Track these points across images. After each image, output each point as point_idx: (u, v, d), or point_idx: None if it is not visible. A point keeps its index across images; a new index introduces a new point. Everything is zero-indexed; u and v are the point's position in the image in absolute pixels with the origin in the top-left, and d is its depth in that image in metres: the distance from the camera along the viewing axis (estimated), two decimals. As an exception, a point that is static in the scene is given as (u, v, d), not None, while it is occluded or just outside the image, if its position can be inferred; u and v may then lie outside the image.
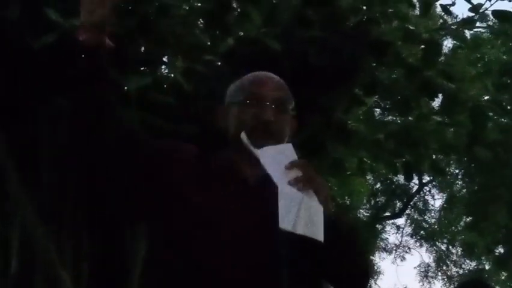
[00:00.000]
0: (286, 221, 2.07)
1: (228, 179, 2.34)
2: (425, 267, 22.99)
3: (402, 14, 7.22)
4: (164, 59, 6.87)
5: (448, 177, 16.83)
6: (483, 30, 12.22)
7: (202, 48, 6.41)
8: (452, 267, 22.55)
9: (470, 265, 22.17)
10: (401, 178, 17.05)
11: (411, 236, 21.69)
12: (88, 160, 2.39)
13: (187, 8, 6.62)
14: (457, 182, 18.19)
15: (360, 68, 6.83)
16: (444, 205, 19.76)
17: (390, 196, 18.98)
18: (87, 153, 2.37)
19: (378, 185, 18.93)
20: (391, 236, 22.63)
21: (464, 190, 17.45)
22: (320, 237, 2.09)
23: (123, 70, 5.65)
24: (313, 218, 2.10)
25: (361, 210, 19.25)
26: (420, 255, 27.88)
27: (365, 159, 9.58)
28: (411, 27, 7.33)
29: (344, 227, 2.28)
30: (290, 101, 2.44)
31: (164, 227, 2.30)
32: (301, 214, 2.08)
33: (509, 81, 9.18)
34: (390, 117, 11.34)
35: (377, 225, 20.25)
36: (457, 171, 17.18)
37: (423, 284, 23.06)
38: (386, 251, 22.26)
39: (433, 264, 22.78)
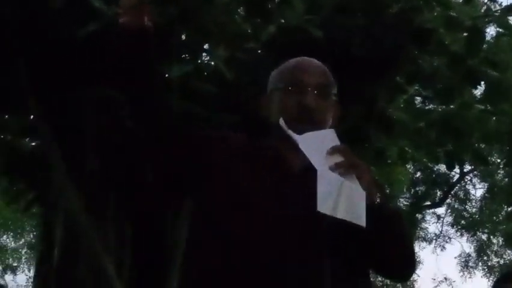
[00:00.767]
0: (325, 204, 2.06)
1: (271, 164, 2.32)
2: (465, 257, 22.83)
3: (445, 1, 7.13)
4: (206, 47, 6.88)
5: (490, 166, 16.64)
6: (527, 18, 12.03)
7: (243, 36, 6.41)
8: (493, 257, 22.35)
9: (511, 255, 21.97)
10: (441, 167, 16.94)
11: (452, 226, 21.54)
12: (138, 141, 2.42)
13: (229, -4, 6.62)
14: (499, 171, 18.00)
15: (402, 57, 6.77)
16: (486, 195, 19.57)
17: (431, 185, 18.81)
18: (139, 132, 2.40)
19: (418, 174, 18.81)
20: (431, 226, 22.56)
21: (506, 180, 17.27)
22: (362, 222, 2.07)
23: (165, 59, 5.67)
24: (354, 203, 2.08)
25: (401, 199, 19.15)
26: (461, 245, 27.72)
27: (406, 148, 9.52)
28: (454, 15, 7.24)
29: (389, 213, 2.25)
30: (332, 86, 2.42)
31: (206, 208, 2.30)
32: (341, 199, 2.07)
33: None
34: (431, 106, 11.24)
35: (417, 215, 20.10)
36: (498, 160, 16.99)
37: (464, 274, 22.93)
38: (426, 241, 22.14)
39: (474, 254, 22.61)
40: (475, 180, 20.09)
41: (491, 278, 21.79)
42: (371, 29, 6.30)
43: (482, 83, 7.83)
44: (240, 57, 6.01)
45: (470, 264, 22.87)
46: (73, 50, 5.94)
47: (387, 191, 16.77)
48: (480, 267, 22.75)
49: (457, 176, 19.34)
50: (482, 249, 22.31)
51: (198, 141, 2.39)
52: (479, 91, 9.46)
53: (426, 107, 11.33)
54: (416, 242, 21.52)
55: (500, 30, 9.32)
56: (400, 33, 6.50)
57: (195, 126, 2.44)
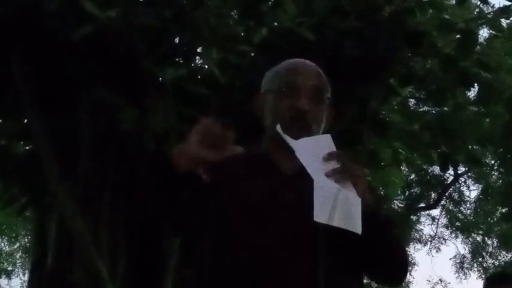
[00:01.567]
0: (321, 214, 2.05)
1: (265, 171, 2.33)
2: (460, 259, 22.83)
3: (437, 4, 7.16)
4: (199, 50, 6.89)
5: (484, 168, 16.67)
6: (520, 19, 12.07)
7: (236, 39, 6.41)
8: (488, 258, 22.35)
9: (506, 257, 21.97)
10: (435, 169, 16.96)
11: (447, 227, 21.56)
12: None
13: (222, -1, 6.63)
14: (493, 172, 18.03)
15: (395, 59, 6.79)
16: (480, 196, 19.59)
17: (425, 187, 18.84)
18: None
19: (413, 176, 18.82)
20: (426, 227, 22.51)
21: (500, 181, 17.29)
22: (358, 229, 2.06)
23: (159, 61, 5.68)
24: (350, 210, 2.07)
25: (396, 201, 19.16)
26: (456, 246, 27.71)
27: (400, 150, 9.54)
28: (447, 17, 7.27)
29: (382, 219, 2.24)
30: (326, 89, 2.40)
31: (208, 222, 2.29)
32: (337, 206, 2.06)
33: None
34: (425, 108, 11.26)
35: (412, 216, 20.12)
36: (492, 161, 17.02)
37: (459, 276, 22.94)
38: (421, 242, 22.15)
39: (469, 256, 22.62)
40: (469, 181, 20.11)
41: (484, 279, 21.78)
42: (364, 31, 6.31)
43: (476, 85, 7.85)
44: (233, 60, 6.01)
45: (465, 265, 22.88)
46: (68, 52, 5.94)
47: (382, 193, 16.79)
48: (475, 269, 22.75)
49: (451, 177, 19.37)
50: (477, 251, 22.32)
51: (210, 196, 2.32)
52: (472, 93, 9.50)
53: (420, 109, 11.36)
54: (411, 243, 21.54)
55: (493, 32, 9.35)
56: (393, 35, 6.51)
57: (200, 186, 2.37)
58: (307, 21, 6.14)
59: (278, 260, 2.15)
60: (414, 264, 23.27)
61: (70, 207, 6.43)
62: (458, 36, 7.25)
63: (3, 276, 24.17)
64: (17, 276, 24.36)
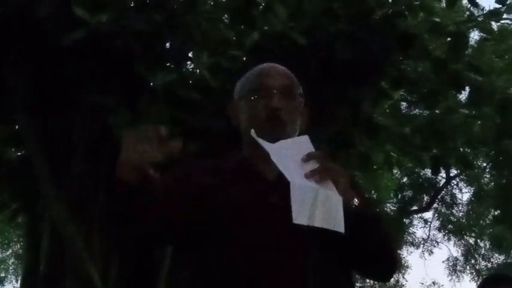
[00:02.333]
0: (300, 215, 2.05)
1: (249, 175, 2.35)
2: (453, 261, 22.85)
3: (428, 7, 7.18)
4: (190, 55, 6.89)
5: (476, 170, 16.70)
6: (510, 22, 12.10)
7: (227, 43, 6.42)
8: (481, 261, 22.38)
9: (499, 259, 21.99)
10: (428, 172, 16.97)
11: (439, 230, 21.56)
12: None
13: (213, 3, 6.64)
14: (485, 175, 18.07)
15: (387, 62, 6.80)
16: (472, 198, 19.61)
17: (418, 190, 18.85)
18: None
19: (405, 179, 18.84)
20: (419, 230, 22.56)
21: (492, 183, 17.33)
22: (340, 228, 2.06)
23: (150, 66, 5.68)
24: (331, 210, 2.07)
25: (388, 205, 19.17)
26: (449, 249, 27.77)
27: (391, 153, 9.55)
28: (437, 20, 7.29)
29: (367, 216, 2.26)
30: (297, 86, 2.46)
31: (190, 230, 2.29)
32: (317, 207, 2.05)
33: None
34: (417, 111, 11.28)
35: (405, 219, 20.13)
36: (484, 164, 17.06)
37: (452, 278, 22.96)
38: (414, 245, 22.15)
39: (461, 258, 22.63)
40: (461, 184, 20.14)
41: (479, 282, 21.81)
42: (355, 34, 6.32)
43: (467, 87, 7.88)
44: (225, 64, 6.02)
45: (458, 268, 22.91)
46: (62, 55, 5.94)
47: (374, 196, 16.80)
48: (468, 271, 22.79)
49: (444, 180, 19.40)
50: (469, 253, 22.35)
51: (179, 196, 2.29)
52: (463, 96, 9.52)
53: (412, 112, 11.38)
54: (404, 246, 21.56)
55: (483, 35, 9.39)
56: (384, 38, 6.53)
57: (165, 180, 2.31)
58: (299, 24, 6.15)
59: (270, 260, 2.17)
60: (407, 267, 23.32)
61: (62, 213, 6.42)
62: (448, 39, 7.28)
63: (-4, 283, 24.11)
64: (10, 283, 24.31)
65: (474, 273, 22.54)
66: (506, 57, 11.40)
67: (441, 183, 19.52)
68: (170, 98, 5.76)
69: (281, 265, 2.17)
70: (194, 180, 2.33)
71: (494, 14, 7.57)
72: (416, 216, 21.11)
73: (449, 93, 8.09)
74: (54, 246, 6.76)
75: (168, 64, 6.37)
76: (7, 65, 6.35)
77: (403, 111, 11.11)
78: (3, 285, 24.27)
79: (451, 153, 8.69)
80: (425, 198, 19.73)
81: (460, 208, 20.74)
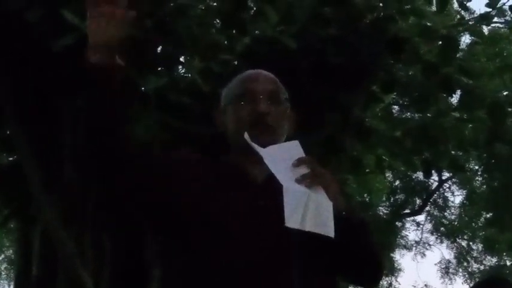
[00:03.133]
0: (293, 219, 2.07)
1: (233, 182, 2.35)
2: (445, 264, 22.91)
3: (419, 11, 7.20)
4: (181, 59, 6.89)
5: (468, 173, 16.75)
6: (500, 26, 12.14)
7: (218, 47, 6.42)
8: (473, 263, 22.44)
9: (491, 261, 22.06)
10: (420, 175, 17.01)
11: (432, 233, 21.62)
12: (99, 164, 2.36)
13: (203, 8, 6.64)
14: (477, 178, 18.12)
15: (377, 66, 6.82)
16: (464, 201, 19.67)
17: (410, 193, 18.89)
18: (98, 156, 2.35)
19: (397, 182, 18.88)
20: (411, 233, 22.63)
21: (484, 186, 17.38)
22: (330, 233, 2.08)
23: (141, 71, 5.68)
24: (322, 215, 2.09)
25: (380, 208, 19.21)
26: (441, 251, 27.78)
27: (383, 156, 9.57)
28: (428, 24, 7.31)
29: (355, 222, 2.28)
30: (283, 91, 2.47)
31: (174, 229, 2.30)
32: (308, 211, 2.07)
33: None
34: (408, 114, 11.31)
35: (397, 223, 20.17)
36: (476, 167, 17.10)
37: (444, 281, 23.00)
38: (406, 248, 22.20)
39: (454, 261, 22.69)
40: (453, 187, 20.20)
41: (471, 284, 21.84)
42: (346, 38, 6.34)
43: (458, 91, 7.90)
44: (216, 69, 6.02)
45: (451, 270, 22.96)
46: (50, 61, 5.94)
47: (367, 199, 16.83)
48: (460, 274, 22.85)
49: (436, 183, 19.45)
50: (462, 256, 22.41)
51: (158, 167, 2.36)
52: (455, 99, 9.55)
53: (403, 116, 11.40)
54: (397, 249, 21.60)
55: (474, 38, 9.41)
56: (375, 42, 6.55)
57: (155, 151, 2.40)
58: (289, 28, 6.16)
59: (257, 262, 2.18)
60: (399, 270, 23.36)
61: (53, 217, 6.41)
62: (439, 42, 7.30)
63: (-12, 288, 24.04)
64: (2, 288, 24.25)
65: (466, 276, 22.61)
66: (497, 60, 11.45)
67: (434, 186, 19.58)
68: (161, 103, 5.76)
69: (267, 267, 2.18)
70: (185, 171, 2.36)
71: (485, 18, 7.59)
72: (408, 219, 21.17)
73: (440, 97, 8.10)
74: (46, 250, 6.75)
75: (159, 68, 6.38)
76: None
77: (395, 115, 11.13)
78: (-4, 290, 24.22)
79: (442, 157, 8.70)
80: (418, 201, 19.78)
81: (452, 211, 20.81)
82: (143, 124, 5.52)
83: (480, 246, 21.61)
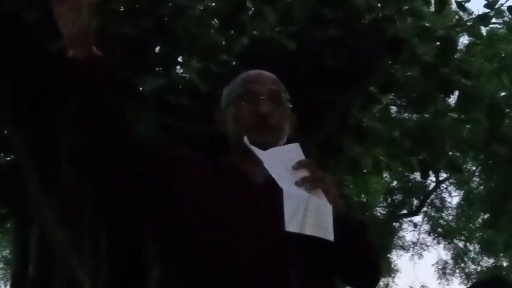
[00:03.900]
0: (292, 223, 2.06)
1: (234, 182, 2.35)
2: (442, 265, 22.90)
3: (417, 11, 7.21)
4: (180, 60, 6.88)
5: (465, 174, 16.76)
6: (499, 26, 12.15)
7: (217, 48, 6.42)
8: (470, 264, 22.44)
9: (488, 262, 22.06)
10: (417, 176, 17.02)
11: (429, 234, 21.61)
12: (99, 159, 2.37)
13: (202, 8, 6.63)
14: (474, 179, 18.12)
15: (376, 67, 6.82)
16: (462, 202, 19.67)
17: (407, 194, 18.89)
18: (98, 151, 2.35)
19: (394, 183, 18.88)
20: (408, 234, 22.56)
21: (482, 187, 17.38)
22: (330, 236, 2.08)
23: (139, 71, 5.68)
24: (322, 218, 2.09)
25: (378, 208, 19.22)
26: (438, 252, 27.80)
27: (381, 157, 9.56)
28: (426, 25, 7.32)
29: (354, 225, 2.28)
30: (284, 92, 2.47)
31: (174, 228, 2.30)
32: (308, 215, 2.07)
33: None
34: (406, 115, 11.30)
35: (394, 223, 20.18)
36: (473, 168, 17.11)
37: (441, 282, 23.00)
38: (404, 249, 22.19)
39: (451, 262, 22.69)
40: (450, 188, 20.20)
41: (468, 285, 21.86)
42: (344, 39, 6.34)
43: (456, 92, 7.90)
44: (214, 69, 6.01)
45: (448, 271, 22.96)
46: (48, 61, 5.93)
47: (364, 200, 16.83)
48: (457, 274, 22.84)
49: (433, 184, 19.45)
50: (459, 257, 22.41)
51: (159, 164, 2.36)
52: (452, 100, 9.55)
53: (401, 116, 11.40)
54: (394, 250, 21.60)
55: (472, 39, 9.42)
56: (373, 42, 6.55)
57: (159, 144, 2.41)
58: (288, 29, 6.16)
59: (256, 263, 2.18)
60: (397, 270, 23.36)
61: (50, 218, 6.40)
62: (437, 43, 7.30)
63: (-15, 288, 24.02)
64: (-1, 288, 24.23)
65: (463, 277, 22.61)
66: (495, 61, 11.45)
67: (431, 187, 19.58)
68: (159, 103, 5.75)
69: (268, 267, 2.18)
70: (186, 170, 2.36)
71: (483, 19, 7.61)
72: (405, 220, 21.17)
73: (438, 97, 8.11)
74: (43, 251, 6.74)
75: (157, 69, 6.37)
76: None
77: (392, 115, 11.12)
78: (-8, 290, 24.19)
79: (440, 157, 8.70)
80: (415, 202, 19.78)
81: (450, 212, 20.81)
82: (142, 124, 5.51)
83: (477, 247, 21.61)
